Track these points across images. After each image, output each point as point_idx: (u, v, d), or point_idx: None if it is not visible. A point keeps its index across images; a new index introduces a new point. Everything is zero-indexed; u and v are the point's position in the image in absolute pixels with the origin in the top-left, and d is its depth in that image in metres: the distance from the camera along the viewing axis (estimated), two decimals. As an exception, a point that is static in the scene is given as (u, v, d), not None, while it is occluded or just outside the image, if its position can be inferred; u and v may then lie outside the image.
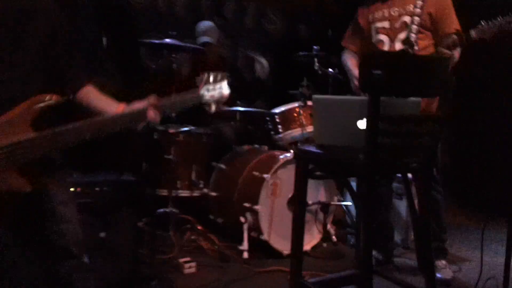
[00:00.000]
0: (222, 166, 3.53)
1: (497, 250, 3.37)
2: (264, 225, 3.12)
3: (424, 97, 1.96)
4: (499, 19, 2.42)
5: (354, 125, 1.95)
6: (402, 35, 2.80)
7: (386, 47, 2.88)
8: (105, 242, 2.68)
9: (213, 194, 3.45)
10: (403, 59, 2.03)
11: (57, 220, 1.71)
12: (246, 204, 3.15)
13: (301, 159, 2.20)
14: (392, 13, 2.86)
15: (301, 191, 2.19)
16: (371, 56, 2.21)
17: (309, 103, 3.67)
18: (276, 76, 4.95)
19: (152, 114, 1.70)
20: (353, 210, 3.48)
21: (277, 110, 3.71)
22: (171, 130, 3.34)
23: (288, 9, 5.37)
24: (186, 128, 3.44)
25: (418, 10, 2.76)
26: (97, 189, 2.65)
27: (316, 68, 3.68)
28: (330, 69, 3.75)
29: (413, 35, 2.75)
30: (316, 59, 3.68)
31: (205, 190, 3.47)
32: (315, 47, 3.70)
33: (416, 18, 2.76)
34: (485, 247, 3.11)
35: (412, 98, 1.98)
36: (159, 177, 3.38)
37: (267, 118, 3.74)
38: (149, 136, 3.41)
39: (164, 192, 3.34)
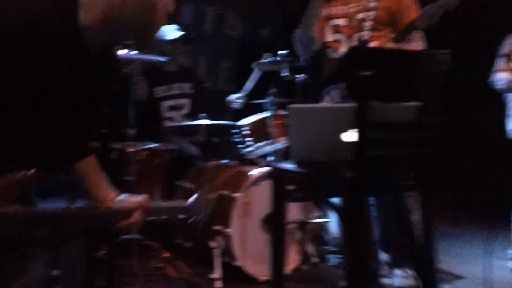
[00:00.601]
0: (187, 185, 3.23)
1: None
2: (236, 249, 2.85)
3: (418, 101, 1.75)
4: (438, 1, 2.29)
5: (337, 137, 1.72)
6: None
7: (343, 47, 2.67)
8: (57, 281, 2.37)
9: (180, 216, 3.14)
10: (396, 57, 1.81)
11: None
12: (216, 227, 2.86)
13: (277, 179, 1.93)
14: (349, 10, 2.67)
15: (279, 215, 1.93)
16: (357, 52, 1.95)
17: (280, 112, 3.44)
18: (239, 85, 4.67)
19: (137, 217, 1.49)
20: (332, 227, 3.24)
21: (244, 121, 3.44)
22: (130, 149, 3.02)
23: (249, 12, 5.14)
24: (146, 146, 3.14)
25: (372, 4, 2.58)
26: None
27: (284, 74, 3.43)
28: (299, 75, 3.50)
29: (365, 33, 2.55)
30: (282, 65, 3.43)
31: (170, 212, 3.17)
32: (281, 52, 3.45)
33: (371, 13, 2.57)
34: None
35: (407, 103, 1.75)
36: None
37: (234, 131, 3.48)
38: (105, 156, 3.08)
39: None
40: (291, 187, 1.90)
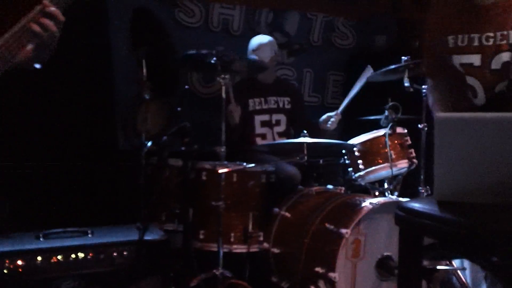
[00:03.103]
0: (286, 213, 2.75)
1: None
2: (343, 297, 2.30)
3: None
4: None
5: None
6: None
7: (479, 98, 1.86)
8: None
9: (275, 250, 2.68)
10: None
11: None
12: (319, 269, 2.33)
13: (408, 227, 1.35)
14: (485, 42, 1.81)
15: (410, 281, 1.34)
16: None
17: (399, 130, 2.87)
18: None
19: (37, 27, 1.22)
20: (468, 276, 2.55)
21: (356, 140, 2.90)
22: (221, 169, 2.62)
23: (361, 20, 4.58)
24: (240, 166, 2.73)
25: None
26: (114, 254, 2.01)
27: (406, 84, 2.83)
28: (425, 85, 2.88)
29: None
30: (406, 74, 2.83)
31: (265, 245, 2.72)
32: (404, 57, 2.87)
33: None
34: None
35: None
36: (205, 227, 2.68)
37: (343, 152, 2.94)
38: (193, 177, 2.73)
39: (212, 247, 2.63)
40: (428, 239, 1.31)
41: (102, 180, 3.41)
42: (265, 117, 3.37)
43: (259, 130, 3.35)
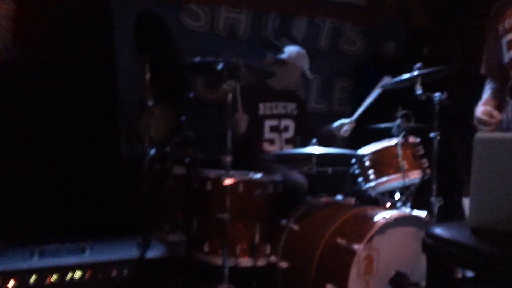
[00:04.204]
0: (294, 226, 2.64)
1: None
2: (354, 316, 2.19)
3: None
4: None
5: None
6: None
7: None
8: None
9: (283, 264, 2.57)
10: None
11: None
12: (329, 286, 2.22)
13: (439, 257, 1.22)
14: None
15: None
16: None
17: (411, 139, 2.77)
18: (355, 108, 4.02)
19: None
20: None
21: (365, 150, 2.80)
22: (227, 180, 2.52)
23: (369, 26, 4.49)
24: (247, 176, 2.63)
25: None
26: (113, 273, 1.89)
27: (418, 92, 2.73)
28: (437, 93, 2.78)
29: None
30: (419, 82, 2.73)
31: (273, 258, 2.61)
32: (416, 65, 2.77)
33: None
34: None
35: None
36: (210, 239, 2.58)
37: (353, 161, 2.84)
38: (198, 188, 2.62)
39: (217, 261, 2.53)
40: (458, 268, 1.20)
41: (103, 188, 3.32)
42: (274, 122, 3.28)
43: (268, 135, 3.26)
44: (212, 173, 2.64)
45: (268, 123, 3.27)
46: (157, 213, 2.74)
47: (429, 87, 2.80)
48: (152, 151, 2.72)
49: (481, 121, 2.05)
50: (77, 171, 3.28)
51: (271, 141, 3.27)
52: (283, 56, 3.31)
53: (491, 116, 2.01)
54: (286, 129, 3.32)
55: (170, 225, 2.69)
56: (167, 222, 2.70)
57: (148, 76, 2.83)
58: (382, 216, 2.30)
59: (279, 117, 3.30)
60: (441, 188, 2.82)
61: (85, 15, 3.40)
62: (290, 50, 3.35)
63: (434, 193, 2.78)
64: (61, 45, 3.29)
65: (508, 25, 1.99)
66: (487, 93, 2.24)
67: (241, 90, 2.87)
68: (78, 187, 3.29)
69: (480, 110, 2.11)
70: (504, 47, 2.03)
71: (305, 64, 3.34)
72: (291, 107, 3.36)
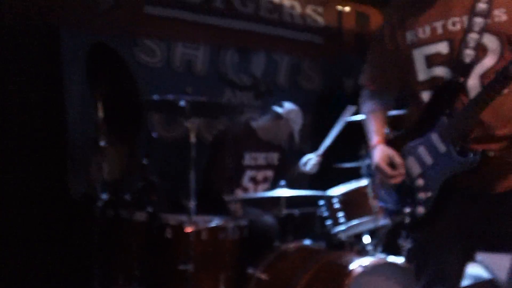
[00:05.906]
0: (262, 276, 2.44)
1: None
2: None
3: None
4: None
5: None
6: (487, 62, 1.55)
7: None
8: None
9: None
10: None
11: None
12: None
13: None
14: (451, 27, 1.59)
15: None
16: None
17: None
18: (316, 145, 3.93)
19: None
20: None
21: (334, 191, 2.67)
22: (188, 228, 2.30)
23: (328, 62, 4.46)
24: (211, 224, 2.42)
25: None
26: None
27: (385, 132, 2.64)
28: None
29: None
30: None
31: (239, 312, 2.40)
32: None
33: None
34: None
35: None
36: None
37: (322, 203, 2.71)
38: (156, 235, 2.39)
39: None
40: None
41: (49, 232, 3.00)
42: (254, 173, 3.17)
43: (245, 184, 3.13)
44: (172, 219, 2.42)
45: (249, 174, 3.15)
46: (111, 264, 2.49)
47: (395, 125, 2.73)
48: (104, 196, 2.48)
49: (382, 173, 1.75)
50: (20, 216, 2.96)
51: (246, 190, 3.11)
52: (281, 110, 3.21)
53: (392, 165, 1.70)
54: (264, 180, 3.21)
55: (125, 278, 2.44)
56: (122, 275, 2.45)
57: (101, 113, 2.61)
58: (358, 265, 2.15)
59: (260, 168, 3.19)
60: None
61: (30, 45, 3.15)
62: (289, 107, 3.27)
63: (403, 235, 2.68)
64: (3, 77, 3.02)
65: (425, 34, 1.64)
66: (375, 117, 1.93)
67: (229, 137, 2.73)
68: (21, 233, 2.96)
69: (379, 155, 1.77)
70: (420, 61, 1.66)
71: (297, 127, 3.26)
72: (273, 157, 3.27)
